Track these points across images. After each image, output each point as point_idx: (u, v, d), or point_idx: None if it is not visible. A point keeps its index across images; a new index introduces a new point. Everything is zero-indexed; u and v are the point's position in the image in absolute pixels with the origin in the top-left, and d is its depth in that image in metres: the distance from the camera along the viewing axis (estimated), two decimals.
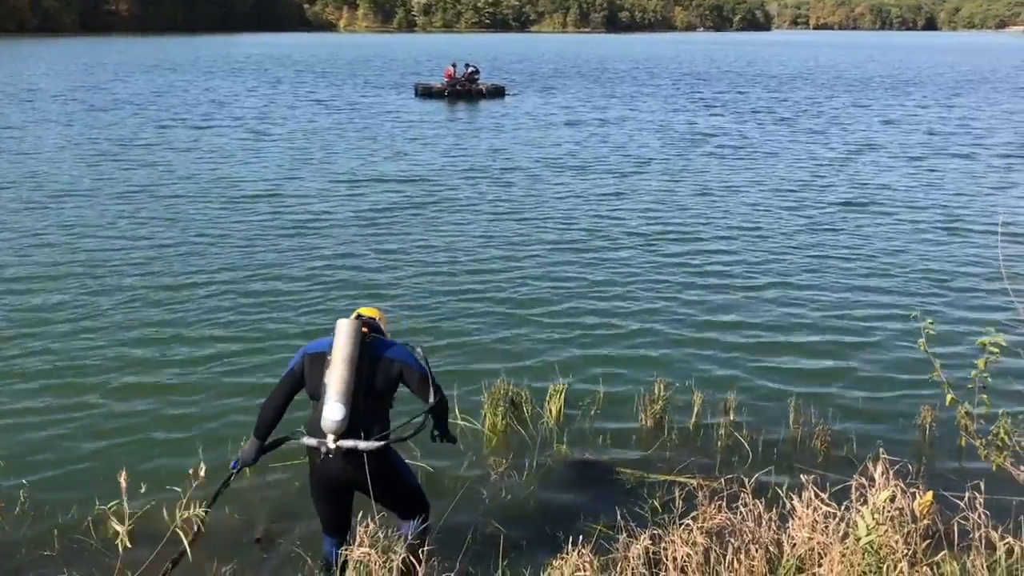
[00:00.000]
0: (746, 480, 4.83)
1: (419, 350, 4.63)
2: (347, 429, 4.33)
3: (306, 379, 4.52)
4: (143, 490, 4.93)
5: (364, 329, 4.51)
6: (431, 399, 4.48)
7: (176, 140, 22.04)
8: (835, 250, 12.07)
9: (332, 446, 4.32)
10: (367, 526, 4.27)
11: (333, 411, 4.28)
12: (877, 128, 26.04)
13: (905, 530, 4.10)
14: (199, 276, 10.51)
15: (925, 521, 3.98)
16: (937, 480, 5.65)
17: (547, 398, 7.01)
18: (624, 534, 4.49)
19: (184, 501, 4.67)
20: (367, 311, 4.81)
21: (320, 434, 4.35)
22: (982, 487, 4.14)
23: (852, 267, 11.27)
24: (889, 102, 34.67)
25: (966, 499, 4.12)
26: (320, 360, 4.47)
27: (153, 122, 25.61)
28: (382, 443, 4.42)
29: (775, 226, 13.38)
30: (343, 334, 4.38)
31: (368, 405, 4.42)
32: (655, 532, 4.40)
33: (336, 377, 4.32)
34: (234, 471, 4.82)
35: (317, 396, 4.44)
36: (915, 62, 71.97)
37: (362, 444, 4.34)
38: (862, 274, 10.96)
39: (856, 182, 17.07)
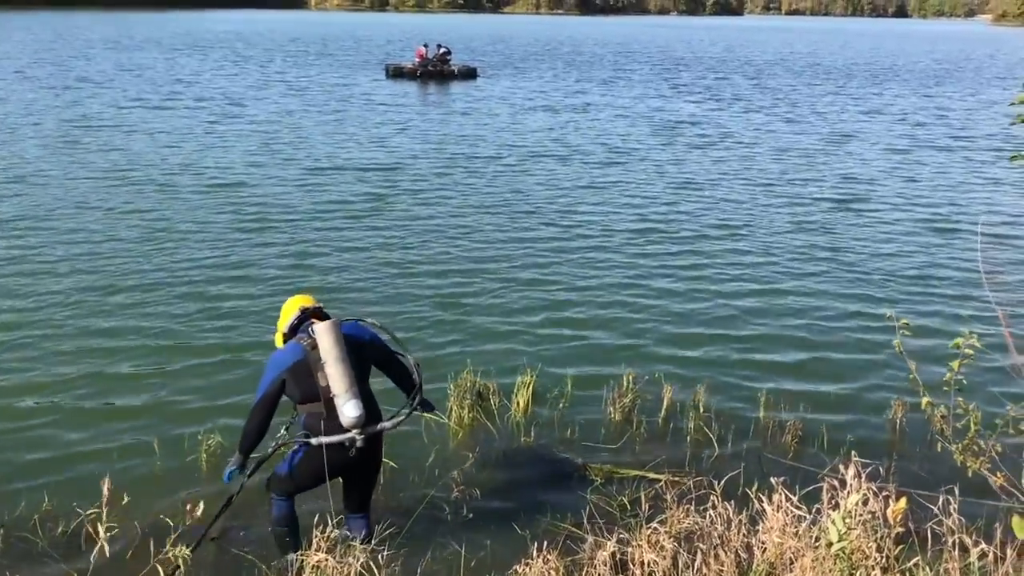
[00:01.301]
0: (716, 480, 4.72)
1: (370, 320, 4.89)
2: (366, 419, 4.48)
3: (289, 390, 4.55)
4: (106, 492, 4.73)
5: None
6: (411, 362, 4.80)
7: (137, 122, 21.24)
8: (811, 245, 11.89)
9: (360, 438, 4.44)
10: (324, 529, 4.13)
11: (352, 409, 4.39)
12: (857, 119, 25.83)
13: (878, 534, 4.01)
14: (156, 272, 9.94)
15: (898, 529, 3.88)
16: (910, 479, 5.58)
17: (515, 391, 6.88)
18: (591, 536, 4.37)
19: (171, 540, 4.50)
20: (307, 301, 4.84)
21: (341, 431, 4.44)
22: (956, 492, 4.05)
23: (828, 263, 11.10)
24: (868, 91, 34.61)
25: (940, 503, 4.04)
26: (302, 368, 4.52)
27: (113, 102, 24.78)
28: (402, 418, 4.67)
29: (749, 220, 13.20)
30: (328, 337, 4.47)
31: (364, 388, 4.58)
32: (622, 535, 4.28)
33: (337, 378, 4.42)
34: (236, 491, 4.79)
35: (314, 399, 4.51)
36: (890, 49, 72.34)
37: (387, 424, 4.59)
38: (838, 270, 10.80)
39: (834, 176, 16.84)
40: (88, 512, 5.19)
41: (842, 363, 7.98)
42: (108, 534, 4.58)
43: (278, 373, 4.54)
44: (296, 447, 4.63)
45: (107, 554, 4.59)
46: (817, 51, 67.11)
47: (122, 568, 4.76)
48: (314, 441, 4.44)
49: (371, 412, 4.54)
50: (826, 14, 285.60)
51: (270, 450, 4.69)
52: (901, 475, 5.76)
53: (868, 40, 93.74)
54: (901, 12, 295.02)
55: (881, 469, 5.42)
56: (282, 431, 4.74)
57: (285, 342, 4.73)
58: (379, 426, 4.55)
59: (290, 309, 4.77)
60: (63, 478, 5.76)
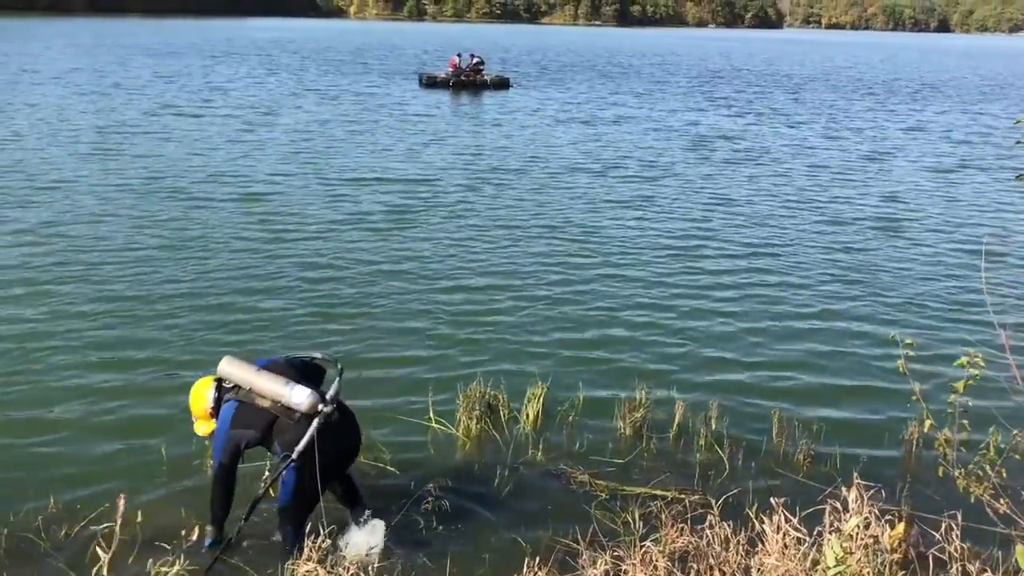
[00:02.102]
0: (715, 500, 4.63)
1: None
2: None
3: (251, 440, 4.58)
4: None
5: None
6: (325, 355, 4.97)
7: (169, 130, 21.28)
8: (843, 268, 11.54)
9: (330, 408, 4.45)
10: (315, 539, 4.10)
11: (300, 394, 4.43)
12: (898, 136, 25.28)
13: (879, 559, 3.90)
14: (177, 282, 9.84)
15: (896, 555, 3.78)
16: (922, 503, 5.43)
17: (525, 403, 6.82)
18: (587, 553, 4.30)
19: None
20: (212, 377, 4.85)
21: (310, 422, 4.42)
22: (959, 517, 3.94)
23: (859, 286, 10.73)
24: (910, 107, 34.01)
25: (943, 529, 3.93)
26: (245, 410, 4.57)
27: (146, 109, 24.87)
28: (340, 377, 4.64)
29: (781, 241, 12.86)
30: (232, 364, 4.63)
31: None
32: (617, 553, 4.21)
33: (269, 384, 4.50)
34: (232, 535, 4.79)
35: (272, 420, 4.53)
36: (933, 64, 71.27)
37: (335, 386, 4.57)
38: (869, 294, 10.44)
39: (873, 196, 16.40)
40: (92, 515, 5.27)
41: (861, 386, 7.79)
42: (110, 539, 4.62)
43: (226, 435, 4.57)
44: (285, 473, 4.54)
45: (109, 558, 4.61)
46: (858, 65, 66.35)
47: (125, 572, 4.76)
48: (295, 453, 4.40)
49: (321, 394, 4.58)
50: (867, 28, 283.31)
51: (260, 492, 4.63)
52: (913, 499, 5.62)
53: (910, 55, 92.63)
54: (943, 27, 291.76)
55: (885, 492, 5.25)
56: (266, 473, 4.72)
57: (215, 417, 4.74)
58: (331, 390, 4.54)
59: (203, 388, 4.80)
60: (69, 480, 5.78)
